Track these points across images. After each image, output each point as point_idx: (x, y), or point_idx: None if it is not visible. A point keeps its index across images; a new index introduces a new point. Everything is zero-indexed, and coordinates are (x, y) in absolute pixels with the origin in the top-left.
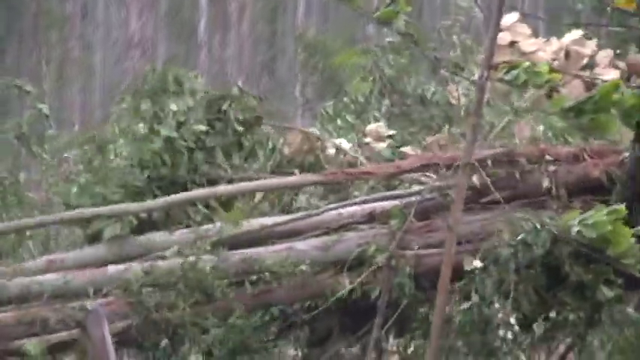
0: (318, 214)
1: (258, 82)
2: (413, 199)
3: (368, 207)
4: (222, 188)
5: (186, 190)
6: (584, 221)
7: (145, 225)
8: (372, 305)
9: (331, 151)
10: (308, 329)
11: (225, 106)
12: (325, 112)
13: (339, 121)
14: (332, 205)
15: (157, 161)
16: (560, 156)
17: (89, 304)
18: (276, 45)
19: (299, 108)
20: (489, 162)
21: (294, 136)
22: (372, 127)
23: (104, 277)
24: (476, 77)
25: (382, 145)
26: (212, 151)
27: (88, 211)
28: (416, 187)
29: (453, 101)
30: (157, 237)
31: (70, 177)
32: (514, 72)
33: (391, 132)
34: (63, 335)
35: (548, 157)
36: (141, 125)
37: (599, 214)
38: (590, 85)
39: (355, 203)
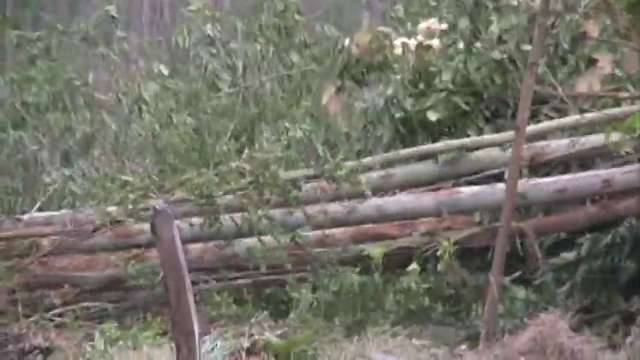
0: None
1: None
2: None
3: None
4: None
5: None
6: None
7: None
8: None
9: (399, 50)
10: None
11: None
12: (394, 12)
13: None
14: None
15: (486, 82)
16: None
17: (158, 204)
18: None
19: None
20: None
21: (362, 35)
22: (423, 24)
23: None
24: None
25: (435, 42)
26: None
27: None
28: None
29: None
30: (489, 154)
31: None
32: None
33: (444, 27)
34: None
35: None
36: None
37: None
38: None
39: None
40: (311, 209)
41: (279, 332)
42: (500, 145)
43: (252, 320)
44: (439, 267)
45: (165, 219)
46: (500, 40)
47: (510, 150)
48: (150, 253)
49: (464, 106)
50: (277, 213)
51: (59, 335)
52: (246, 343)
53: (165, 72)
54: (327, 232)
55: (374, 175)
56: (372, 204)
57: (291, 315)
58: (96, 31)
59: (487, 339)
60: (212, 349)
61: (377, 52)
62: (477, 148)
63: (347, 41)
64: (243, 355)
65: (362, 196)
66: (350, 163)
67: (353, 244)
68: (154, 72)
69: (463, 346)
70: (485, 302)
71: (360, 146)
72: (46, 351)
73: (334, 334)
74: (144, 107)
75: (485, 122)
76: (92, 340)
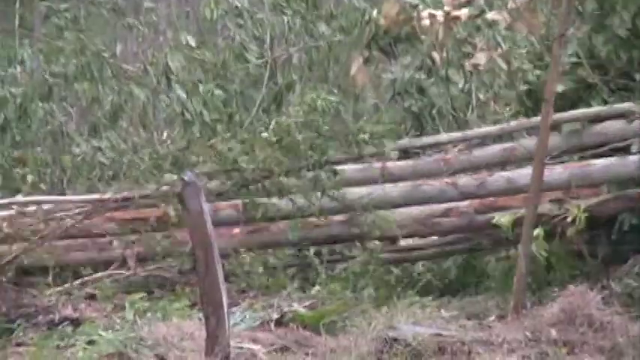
0: None
1: None
2: None
3: None
4: None
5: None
6: None
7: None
8: None
9: (426, 21)
10: None
11: None
12: None
13: None
14: None
15: (611, 56)
16: None
17: (186, 175)
18: None
19: None
20: None
21: (389, 6)
22: None
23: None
24: None
25: (463, 12)
26: None
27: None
28: None
29: None
30: (615, 126)
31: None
32: None
33: None
34: None
35: None
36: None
37: None
38: None
39: None
40: (439, 182)
41: (307, 304)
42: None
43: (282, 292)
44: (568, 233)
45: (193, 190)
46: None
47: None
48: None
49: (590, 79)
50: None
51: (89, 306)
52: (275, 315)
53: (193, 43)
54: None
55: (497, 147)
56: (503, 176)
57: (317, 288)
58: (124, 2)
59: (516, 310)
60: (241, 320)
61: (404, 23)
62: (602, 120)
63: (374, 12)
64: (272, 326)
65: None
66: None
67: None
68: (182, 43)
69: (492, 317)
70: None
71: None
72: (76, 322)
73: (363, 305)
74: (172, 78)
75: (610, 95)
76: (122, 311)
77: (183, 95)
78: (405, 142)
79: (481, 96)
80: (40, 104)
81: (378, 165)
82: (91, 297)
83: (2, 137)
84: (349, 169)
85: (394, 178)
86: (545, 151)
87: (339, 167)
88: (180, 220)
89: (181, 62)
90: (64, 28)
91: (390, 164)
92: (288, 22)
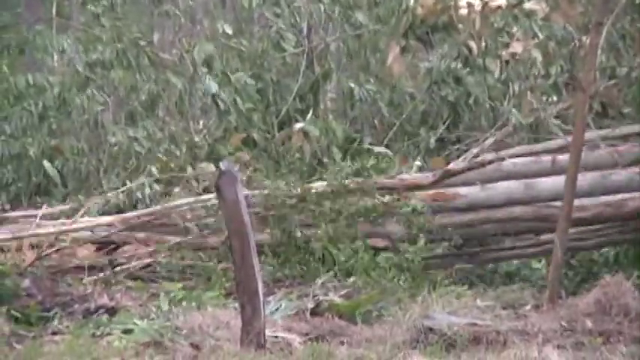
0: None
1: None
2: None
3: None
4: None
5: None
6: None
7: None
8: None
9: (464, 11)
10: None
11: None
12: None
13: None
14: None
15: None
16: None
17: (222, 164)
18: None
19: None
20: None
21: None
22: None
23: None
24: None
25: (500, 2)
26: None
27: None
28: None
29: None
30: None
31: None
32: None
33: None
34: None
35: None
36: None
37: None
38: None
39: None
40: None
41: (343, 293)
42: None
43: (317, 281)
44: None
45: (229, 180)
46: None
47: None
48: None
49: None
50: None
51: (125, 295)
52: (310, 304)
53: (230, 31)
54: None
55: None
56: None
57: (352, 278)
58: None
59: (551, 300)
60: (276, 309)
61: (441, 12)
62: None
63: (412, 1)
64: (308, 315)
65: None
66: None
67: None
68: (218, 32)
69: (527, 307)
70: None
71: None
72: (112, 311)
73: (399, 294)
74: (206, 68)
75: None
76: (157, 300)
77: (215, 85)
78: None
79: (516, 87)
80: (78, 93)
81: (547, 158)
82: (128, 285)
83: (40, 126)
84: (521, 161)
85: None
86: (581, 144)
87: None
88: None
89: (216, 51)
90: (100, 16)
91: (559, 157)
92: (325, 9)
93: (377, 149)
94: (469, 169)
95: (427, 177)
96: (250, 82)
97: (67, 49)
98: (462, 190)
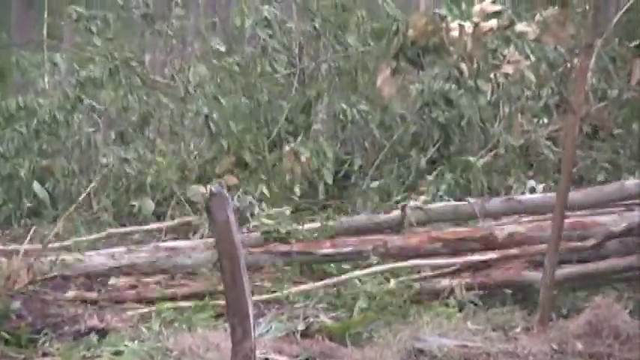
0: None
1: None
2: None
3: None
4: None
5: None
6: None
7: None
8: None
9: (455, 32)
10: None
11: None
12: None
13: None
14: None
15: None
16: None
17: (213, 186)
18: None
19: None
20: None
21: (417, 18)
22: (477, 6)
23: None
24: None
25: (491, 24)
26: None
27: None
28: None
29: None
30: None
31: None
32: None
33: (497, 8)
34: None
35: None
36: None
37: None
38: None
39: None
40: None
41: (333, 314)
42: None
43: (307, 302)
44: None
45: (220, 201)
46: None
47: None
48: None
49: None
50: None
51: (115, 316)
52: (300, 326)
53: (222, 48)
54: None
55: None
56: None
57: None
58: (154, 9)
59: (542, 322)
60: (267, 331)
61: (432, 34)
62: None
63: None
64: (298, 337)
65: None
66: None
67: None
68: (210, 52)
69: (518, 329)
70: None
71: None
72: (102, 332)
73: (389, 316)
74: (199, 90)
75: None
76: (148, 321)
77: (206, 106)
78: None
79: (507, 109)
80: (69, 113)
81: None
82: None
83: (30, 147)
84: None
85: None
86: (571, 167)
87: None
88: None
89: (205, 73)
90: (92, 34)
91: None
92: (316, 28)
93: None
94: None
95: None
96: (243, 101)
97: (59, 67)
98: None
